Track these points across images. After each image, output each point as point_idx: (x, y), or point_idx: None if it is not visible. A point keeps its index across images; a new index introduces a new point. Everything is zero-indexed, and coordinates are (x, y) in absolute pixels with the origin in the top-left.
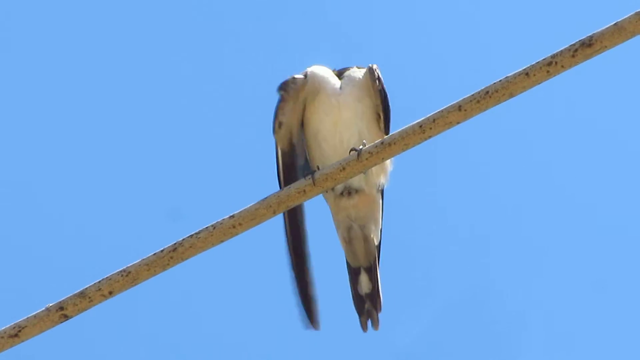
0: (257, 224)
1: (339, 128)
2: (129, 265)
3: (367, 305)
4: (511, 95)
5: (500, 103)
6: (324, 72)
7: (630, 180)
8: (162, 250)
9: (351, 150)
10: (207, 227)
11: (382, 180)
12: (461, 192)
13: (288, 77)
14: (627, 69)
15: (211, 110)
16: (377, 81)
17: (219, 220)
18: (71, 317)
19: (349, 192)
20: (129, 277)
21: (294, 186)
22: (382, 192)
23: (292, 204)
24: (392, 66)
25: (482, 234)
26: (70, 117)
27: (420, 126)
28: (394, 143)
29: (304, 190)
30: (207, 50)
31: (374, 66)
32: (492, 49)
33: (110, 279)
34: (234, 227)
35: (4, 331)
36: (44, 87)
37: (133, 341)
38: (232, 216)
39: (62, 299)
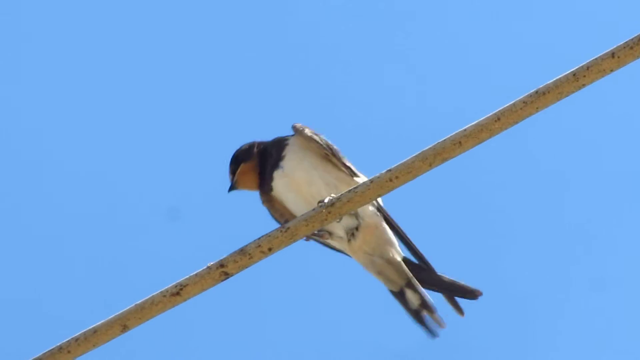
0: (413, 178)
1: (305, 193)
2: (288, 222)
3: (423, 313)
4: None
5: None
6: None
7: None
8: (320, 205)
9: None
10: (364, 182)
11: (374, 202)
12: None
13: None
14: None
15: None
16: (302, 131)
17: (377, 174)
18: (231, 274)
19: (352, 233)
20: (288, 233)
21: (450, 138)
22: (378, 209)
23: (448, 157)
24: (547, 20)
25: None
26: None
27: (574, 74)
28: (549, 92)
29: (460, 142)
30: (210, 50)
31: (297, 125)
32: None
33: (269, 236)
34: (390, 180)
35: (167, 290)
36: (46, 86)
37: (291, 298)
38: (390, 170)
39: (223, 257)
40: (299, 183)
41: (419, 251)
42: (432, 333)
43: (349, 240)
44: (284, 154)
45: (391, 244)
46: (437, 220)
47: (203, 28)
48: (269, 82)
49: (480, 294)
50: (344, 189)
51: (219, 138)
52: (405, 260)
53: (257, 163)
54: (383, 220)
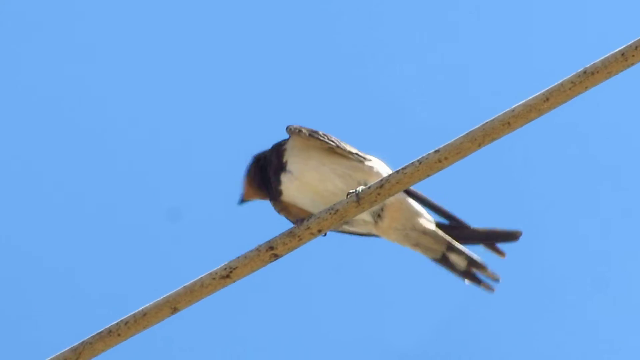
0: (462, 158)
1: (321, 190)
2: (336, 203)
3: (474, 271)
4: None
5: None
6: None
7: None
8: (369, 187)
9: None
10: (412, 162)
11: None
12: None
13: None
14: None
15: None
16: (299, 132)
17: (424, 155)
18: (281, 256)
19: (378, 215)
20: (337, 215)
21: (498, 118)
22: None
23: (497, 137)
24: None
25: None
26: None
27: (623, 54)
28: (597, 71)
29: (509, 123)
30: (217, 46)
31: (291, 127)
32: None
33: (319, 217)
34: (439, 161)
35: (216, 272)
36: (47, 87)
37: (342, 278)
38: (438, 150)
39: (272, 238)
40: (311, 183)
41: (447, 211)
42: (488, 289)
43: (376, 223)
44: (285, 158)
45: (420, 214)
46: (481, 200)
47: (219, 25)
48: (302, 66)
49: (520, 233)
50: (359, 176)
51: (267, 127)
52: (437, 224)
53: (255, 175)
54: (404, 193)
